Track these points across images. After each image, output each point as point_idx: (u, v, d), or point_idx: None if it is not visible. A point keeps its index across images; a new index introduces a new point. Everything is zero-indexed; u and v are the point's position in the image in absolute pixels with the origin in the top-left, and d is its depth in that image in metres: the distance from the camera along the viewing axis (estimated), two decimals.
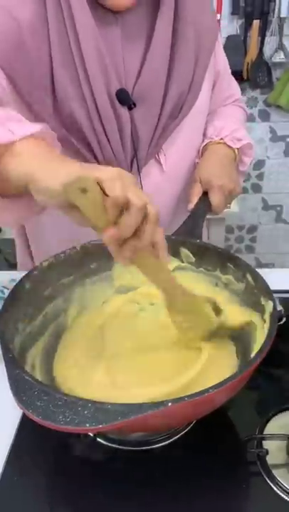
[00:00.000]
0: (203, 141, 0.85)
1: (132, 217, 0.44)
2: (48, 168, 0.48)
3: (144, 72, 0.70)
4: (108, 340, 0.67)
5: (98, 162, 0.73)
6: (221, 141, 0.82)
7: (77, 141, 0.71)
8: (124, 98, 0.69)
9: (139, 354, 0.65)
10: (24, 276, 0.62)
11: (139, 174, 0.76)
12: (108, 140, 0.71)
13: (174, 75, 0.72)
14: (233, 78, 0.94)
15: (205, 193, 0.77)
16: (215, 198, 0.76)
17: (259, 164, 2.04)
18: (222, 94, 0.89)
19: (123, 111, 0.70)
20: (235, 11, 1.70)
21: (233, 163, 0.82)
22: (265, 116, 1.94)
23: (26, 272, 0.63)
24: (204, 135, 0.85)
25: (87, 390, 0.57)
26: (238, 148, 0.83)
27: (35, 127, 0.53)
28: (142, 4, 0.68)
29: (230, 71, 0.92)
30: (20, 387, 0.46)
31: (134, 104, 0.70)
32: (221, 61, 0.85)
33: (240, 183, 0.83)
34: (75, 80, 0.66)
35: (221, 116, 0.88)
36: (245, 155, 0.87)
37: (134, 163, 0.75)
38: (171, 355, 0.64)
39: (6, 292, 0.87)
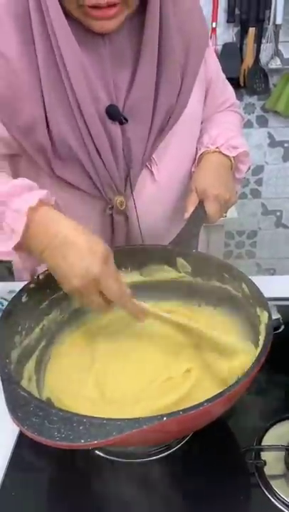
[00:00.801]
0: (199, 149, 0.85)
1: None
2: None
3: (134, 87, 0.71)
4: (98, 354, 0.67)
5: (92, 181, 0.73)
6: (217, 149, 0.82)
7: (70, 166, 0.72)
8: (114, 113, 0.70)
9: (128, 368, 0.65)
10: (21, 289, 0.63)
11: (132, 188, 0.76)
12: (100, 157, 0.71)
13: (161, 88, 0.73)
14: (227, 83, 0.93)
15: (201, 202, 0.77)
16: (210, 208, 0.76)
17: (258, 170, 2.05)
18: (216, 100, 0.90)
19: (114, 127, 0.71)
20: (230, 18, 1.71)
21: (229, 172, 0.82)
22: (263, 122, 1.94)
23: (23, 285, 0.63)
24: (200, 144, 0.85)
25: (76, 403, 0.57)
26: (234, 157, 0.84)
27: (40, 194, 0.60)
28: (127, 23, 0.69)
29: (224, 77, 0.91)
30: (16, 402, 0.46)
31: (126, 120, 0.71)
32: (212, 68, 0.85)
33: (236, 191, 0.83)
34: (63, 100, 0.67)
35: (216, 124, 0.88)
36: (242, 163, 0.87)
37: (128, 178, 0.76)
38: (162, 369, 0.64)
39: (5, 303, 0.87)
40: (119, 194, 0.76)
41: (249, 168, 0.91)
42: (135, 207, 0.78)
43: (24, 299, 0.62)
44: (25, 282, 0.65)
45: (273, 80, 1.83)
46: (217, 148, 0.82)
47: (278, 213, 2.18)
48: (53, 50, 0.64)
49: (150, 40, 0.69)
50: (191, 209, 0.77)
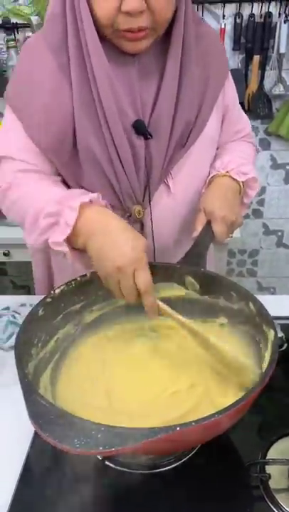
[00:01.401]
0: (210, 173, 0.89)
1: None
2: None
3: (158, 104, 0.78)
4: (108, 365, 0.70)
5: (114, 191, 0.79)
6: (227, 173, 0.86)
7: (94, 176, 0.77)
8: (140, 128, 0.76)
9: (137, 379, 0.68)
10: (38, 304, 0.65)
11: (150, 198, 0.82)
12: (123, 168, 0.77)
13: (180, 107, 0.79)
14: (243, 113, 0.99)
15: (209, 223, 0.81)
16: (217, 229, 0.80)
17: (260, 191, 2.09)
18: (232, 127, 0.95)
19: (138, 141, 0.77)
20: (236, 46, 1.78)
21: (236, 196, 0.86)
22: (265, 144, 2.00)
23: (40, 299, 0.66)
24: (212, 167, 0.90)
25: (87, 413, 0.59)
26: (243, 182, 0.88)
27: (91, 196, 0.70)
28: (155, 45, 0.76)
29: (240, 107, 0.97)
30: (37, 411, 0.48)
31: (151, 135, 0.77)
32: (230, 97, 0.91)
33: (241, 214, 0.86)
34: (93, 115, 0.74)
35: (230, 151, 0.93)
36: (250, 188, 0.91)
37: (147, 190, 0.81)
38: (168, 382, 0.67)
39: (17, 317, 0.90)
40: (137, 204, 0.81)
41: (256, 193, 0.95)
42: (151, 216, 0.83)
43: (41, 312, 0.65)
44: (39, 296, 0.68)
45: (276, 105, 1.90)
46: (227, 172, 0.86)
47: (279, 233, 2.22)
48: (86, 70, 0.72)
49: (173, 62, 0.76)
50: (199, 228, 0.80)
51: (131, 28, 0.68)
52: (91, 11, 0.69)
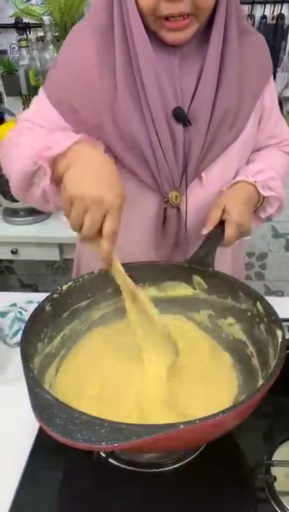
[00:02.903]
0: (239, 174, 0.88)
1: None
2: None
3: (198, 93, 0.79)
4: (107, 357, 0.70)
5: (153, 175, 0.81)
6: (254, 183, 0.85)
7: (133, 158, 0.79)
8: (180, 115, 0.78)
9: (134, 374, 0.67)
10: (45, 299, 0.65)
11: (186, 184, 0.82)
12: (163, 153, 0.78)
13: (220, 93, 0.80)
14: (283, 121, 0.97)
15: (220, 224, 0.80)
16: (230, 232, 0.79)
17: None
18: (267, 130, 0.93)
19: (178, 127, 0.79)
20: None
21: (253, 208, 0.86)
22: None
23: (47, 295, 0.66)
24: (243, 170, 0.89)
25: (79, 401, 0.59)
26: (264, 197, 0.87)
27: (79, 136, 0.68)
28: (195, 38, 0.78)
29: (280, 113, 0.95)
30: (41, 405, 0.48)
31: (190, 122, 0.79)
32: (268, 99, 0.90)
33: (252, 227, 0.86)
34: (136, 100, 0.77)
35: (263, 159, 0.92)
36: (270, 205, 0.90)
37: (184, 178, 0.82)
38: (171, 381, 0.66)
39: (24, 313, 0.90)
40: (175, 189, 0.82)
41: (280, 211, 0.93)
42: (186, 202, 0.84)
43: (48, 308, 0.65)
44: (47, 294, 0.68)
45: (287, 107, 1.89)
46: (255, 182, 0.85)
47: (288, 237, 2.20)
48: (130, 58, 0.75)
49: (213, 52, 0.78)
50: (211, 226, 0.79)
51: (172, 13, 0.70)
52: (135, 2, 0.71)
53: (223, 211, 0.80)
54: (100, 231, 0.61)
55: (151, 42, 0.75)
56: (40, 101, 0.81)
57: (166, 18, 0.71)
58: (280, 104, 1.86)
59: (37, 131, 0.77)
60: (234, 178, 0.87)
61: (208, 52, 0.78)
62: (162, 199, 0.83)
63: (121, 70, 0.75)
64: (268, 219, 0.95)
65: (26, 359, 0.55)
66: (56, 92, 0.79)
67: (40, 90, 0.82)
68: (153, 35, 0.75)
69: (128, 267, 0.74)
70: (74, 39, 0.80)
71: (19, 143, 0.75)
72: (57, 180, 0.67)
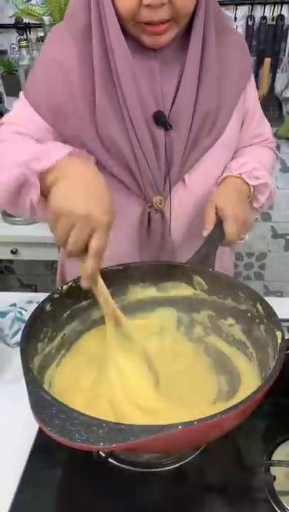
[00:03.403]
0: (224, 172, 0.89)
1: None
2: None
3: (178, 96, 0.79)
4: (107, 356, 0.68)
5: (136, 180, 0.80)
6: (240, 175, 0.86)
7: (115, 163, 0.79)
8: (161, 119, 0.78)
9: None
10: (45, 299, 0.65)
11: (170, 188, 0.82)
12: (145, 157, 0.78)
13: (200, 99, 0.80)
14: (265, 119, 0.98)
15: (219, 223, 0.80)
16: (229, 228, 0.79)
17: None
18: (250, 131, 0.94)
19: (159, 131, 0.78)
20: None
21: (246, 199, 0.86)
22: (275, 148, 1.99)
23: (47, 295, 0.66)
24: (227, 168, 0.89)
25: (73, 396, 0.59)
26: (254, 186, 0.87)
27: (69, 148, 0.66)
28: (175, 42, 0.77)
29: (262, 112, 0.96)
30: (40, 405, 0.48)
31: (171, 126, 0.78)
32: (251, 100, 0.91)
33: (252, 218, 0.86)
34: (115, 104, 0.76)
35: (246, 154, 0.92)
36: (261, 193, 0.90)
37: (167, 181, 0.82)
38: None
39: (24, 313, 0.90)
40: (158, 193, 0.82)
41: (270, 199, 0.93)
42: (170, 206, 0.83)
43: (48, 308, 0.65)
44: (47, 294, 0.68)
45: (287, 108, 1.89)
46: (240, 174, 0.86)
47: (288, 237, 2.20)
48: (109, 62, 0.74)
49: (193, 55, 0.78)
50: (210, 227, 0.79)
51: (152, 20, 0.70)
52: (113, 4, 0.70)
53: (217, 209, 0.80)
54: (86, 247, 0.58)
55: (130, 46, 0.74)
56: (22, 104, 0.80)
57: (146, 23, 0.70)
58: (280, 105, 1.86)
59: (23, 137, 0.76)
60: (219, 177, 0.88)
61: (187, 57, 0.78)
62: (146, 204, 0.82)
63: (99, 74, 0.74)
64: (262, 210, 0.95)
65: (26, 359, 0.55)
66: (37, 94, 0.78)
67: (21, 93, 0.81)
68: (132, 38, 0.75)
69: (129, 267, 0.74)
70: (55, 40, 0.79)
71: (4, 150, 0.72)
72: (45, 193, 0.65)
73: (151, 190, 0.81)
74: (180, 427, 0.46)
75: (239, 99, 0.86)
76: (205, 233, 0.79)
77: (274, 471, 0.59)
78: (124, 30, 0.73)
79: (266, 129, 0.98)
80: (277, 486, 0.58)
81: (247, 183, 0.86)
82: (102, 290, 0.62)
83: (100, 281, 0.62)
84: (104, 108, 0.75)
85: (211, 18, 0.77)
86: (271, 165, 0.97)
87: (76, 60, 0.75)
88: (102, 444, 0.44)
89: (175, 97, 0.79)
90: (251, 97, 0.91)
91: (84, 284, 0.60)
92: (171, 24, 0.72)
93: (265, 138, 0.97)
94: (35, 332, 0.61)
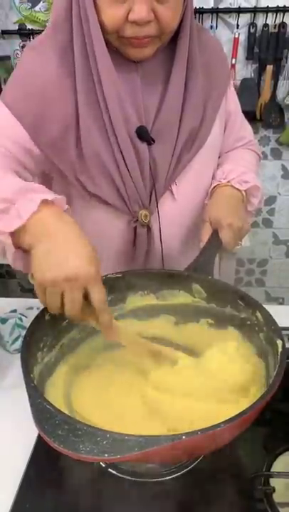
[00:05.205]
0: (212, 183, 0.89)
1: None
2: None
3: (162, 111, 0.78)
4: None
5: (121, 195, 0.79)
6: (228, 183, 0.87)
7: (99, 179, 0.78)
8: (143, 134, 0.77)
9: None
10: (44, 308, 0.65)
11: (157, 202, 0.82)
12: (129, 172, 0.78)
13: (185, 115, 0.80)
14: (246, 122, 0.99)
15: (215, 232, 0.80)
16: (225, 235, 0.79)
17: (270, 200, 2.09)
18: (233, 134, 0.95)
19: (142, 146, 0.78)
20: (249, 56, 1.79)
21: (240, 203, 0.86)
22: (277, 154, 2.00)
23: None
24: (214, 178, 0.90)
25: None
26: (245, 190, 0.88)
27: (56, 196, 0.62)
28: (159, 53, 0.77)
29: (243, 116, 0.97)
30: (42, 416, 0.48)
31: (153, 141, 0.78)
32: (232, 104, 0.92)
33: (248, 221, 0.86)
34: (98, 119, 0.74)
35: (231, 160, 0.93)
36: (253, 196, 0.91)
37: (153, 195, 0.82)
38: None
39: (24, 320, 0.90)
40: (144, 208, 0.81)
41: (261, 201, 0.94)
42: (159, 219, 0.83)
43: (47, 317, 0.65)
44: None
45: (288, 115, 1.89)
46: (229, 182, 0.86)
47: None
48: (92, 74, 0.73)
49: (178, 71, 0.77)
50: (205, 238, 0.80)
51: (137, 36, 0.69)
52: (98, 18, 0.69)
53: (211, 223, 0.80)
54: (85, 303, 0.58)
55: (112, 59, 0.73)
56: (1, 116, 0.75)
57: (130, 37, 0.70)
58: (282, 112, 1.87)
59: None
60: (208, 184, 0.88)
61: (172, 72, 0.77)
62: (132, 218, 0.82)
63: (82, 87, 0.73)
64: (256, 212, 0.96)
65: (27, 369, 0.55)
66: (17, 106, 0.75)
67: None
68: (113, 50, 0.73)
69: (128, 275, 0.74)
70: (35, 53, 0.76)
71: None
72: (22, 248, 0.61)
73: (137, 205, 0.81)
74: (184, 437, 0.45)
75: (221, 102, 0.87)
76: (201, 245, 0.79)
77: (273, 482, 0.59)
78: (105, 42, 0.71)
79: (248, 131, 0.99)
80: (277, 497, 0.58)
81: (237, 189, 0.86)
82: (124, 331, 0.64)
83: (116, 323, 0.63)
84: (87, 121, 0.74)
85: (194, 32, 0.77)
86: (256, 167, 0.97)
87: (57, 71, 0.73)
88: (106, 455, 0.44)
89: (157, 111, 0.78)
90: (232, 100, 0.92)
91: (110, 338, 0.62)
92: (153, 39, 0.72)
93: (248, 140, 0.98)
94: (35, 342, 0.61)
